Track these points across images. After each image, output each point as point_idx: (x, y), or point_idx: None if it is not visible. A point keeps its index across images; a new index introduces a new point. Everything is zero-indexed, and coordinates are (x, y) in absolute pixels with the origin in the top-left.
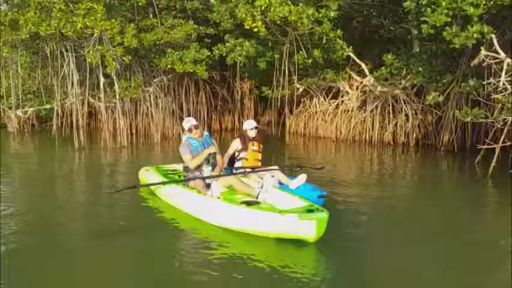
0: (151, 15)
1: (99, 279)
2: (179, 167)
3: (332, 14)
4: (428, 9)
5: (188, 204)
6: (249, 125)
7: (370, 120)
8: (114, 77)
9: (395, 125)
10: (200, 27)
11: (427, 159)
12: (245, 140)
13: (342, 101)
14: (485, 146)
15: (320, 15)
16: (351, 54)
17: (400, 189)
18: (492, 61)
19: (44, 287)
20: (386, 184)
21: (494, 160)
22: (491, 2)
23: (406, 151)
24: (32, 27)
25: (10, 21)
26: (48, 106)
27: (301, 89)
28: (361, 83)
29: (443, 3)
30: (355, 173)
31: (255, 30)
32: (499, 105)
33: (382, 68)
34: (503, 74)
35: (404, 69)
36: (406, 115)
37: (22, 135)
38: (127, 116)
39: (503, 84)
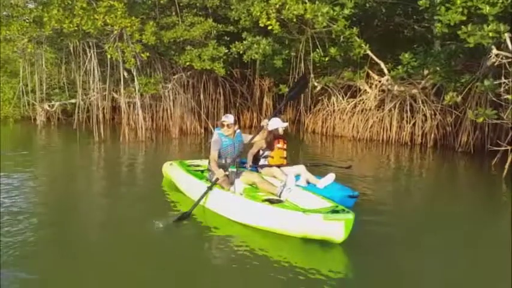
0: (173, 13)
1: (121, 272)
2: (201, 162)
3: (346, 11)
4: (443, 8)
5: (211, 200)
6: (280, 124)
7: (388, 119)
8: (135, 73)
9: (414, 125)
10: (219, 25)
11: (444, 161)
12: (272, 137)
13: (360, 100)
14: (497, 148)
15: (335, 13)
16: (369, 53)
17: (417, 190)
18: (504, 60)
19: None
20: (406, 184)
21: (508, 162)
22: (509, 1)
23: (424, 152)
24: (56, 24)
25: (35, 18)
26: (73, 100)
27: (318, 87)
28: (380, 81)
29: (458, 2)
30: (375, 172)
31: (270, 28)
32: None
33: (400, 67)
34: None
35: (424, 68)
36: (425, 115)
37: (49, 128)
38: (147, 111)
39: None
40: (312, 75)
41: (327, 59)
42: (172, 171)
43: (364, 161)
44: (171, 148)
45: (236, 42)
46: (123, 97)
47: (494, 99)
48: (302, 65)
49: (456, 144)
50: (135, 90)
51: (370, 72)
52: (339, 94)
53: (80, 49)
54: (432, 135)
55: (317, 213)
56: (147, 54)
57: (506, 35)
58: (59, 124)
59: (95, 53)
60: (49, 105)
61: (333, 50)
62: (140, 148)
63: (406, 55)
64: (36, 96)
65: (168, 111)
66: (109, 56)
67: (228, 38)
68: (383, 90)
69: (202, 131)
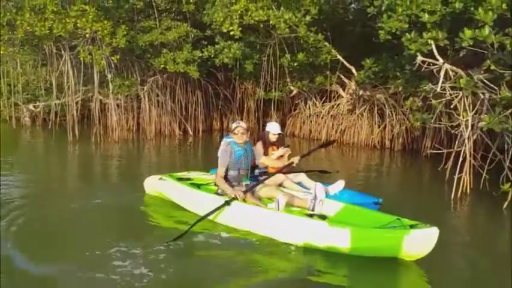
0: (152, 17)
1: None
2: (192, 175)
3: (308, 18)
4: (385, 15)
5: (232, 215)
6: (272, 129)
7: (359, 123)
8: (108, 75)
9: (384, 129)
10: (193, 29)
11: (406, 164)
12: (265, 144)
13: (334, 105)
14: (434, 151)
15: (297, 20)
16: (340, 58)
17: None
18: (433, 67)
19: None
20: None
21: (449, 165)
22: (447, 10)
23: (392, 155)
24: (28, 28)
25: (8, 21)
26: (57, 101)
27: (294, 91)
28: (350, 87)
29: (400, 10)
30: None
31: (232, 33)
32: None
33: (362, 71)
34: (440, 79)
35: (388, 73)
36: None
37: (33, 128)
38: (122, 112)
39: (442, 89)
40: (288, 80)
41: (295, 64)
42: (165, 186)
43: (334, 164)
44: (144, 149)
45: (208, 46)
46: (95, 98)
47: None
48: (275, 69)
49: (421, 148)
50: (109, 92)
51: (343, 77)
52: (315, 98)
53: (54, 51)
54: (400, 139)
55: (396, 229)
56: (117, 57)
57: (432, 43)
58: (44, 124)
59: (70, 56)
60: (34, 106)
61: (300, 56)
62: (112, 148)
63: (368, 60)
64: (24, 97)
65: (145, 112)
66: (81, 59)
67: (206, 42)
68: (356, 95)
69: (181, 132)
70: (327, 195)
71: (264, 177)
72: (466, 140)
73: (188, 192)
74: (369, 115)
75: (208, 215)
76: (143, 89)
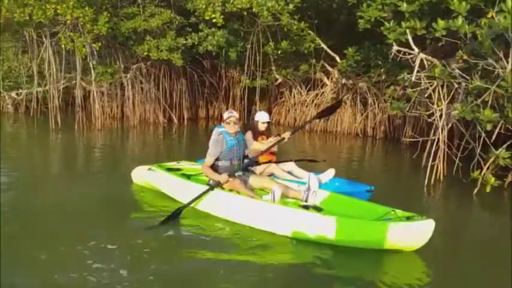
0: (136, 4)
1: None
2: (181, 165)
3: (292, 6)
4: (365, 4)
5: (236, 210)
6: (261, 118)
7: (344, 111)
8: (90, 63)
9: (366, 117)
10: (177, 16)
11: (386, 152)
12: (255, 133)
13: (319, 93)
14: (410, 139)
15: (279, 8)
16: (324, 46)
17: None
18: (408, 56)
19: None
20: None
21: (417, 153)
22: None
23: (373, 143)
24: (7, 14)
25: None
26: (39, 89)
27: (279, 80)
28: (334, 75)
29: None
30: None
31: (214, 21)
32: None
33: (344, 60)
34: (415, 69)
35: (370, 62)
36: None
37: (16, 117)
38: (105, 100)
39: (417, 79)
40: (273, 68)
41: (279, 52)
42: (154, 177)
43: (318, 153)
44: (128, 137)
45: (192, 34)
46: (78, 86)
47: None
48: (259, 57)
49: (402, 136)
50: (91, 79)
51: (327, 65)
52: (300, 87)
53: (35, 38)
54: (382, 127)
55: (398, 221)
56: (99, 44)
57: (408, 33)
58: (27, 112)
59: (51, 42)
60: (16, 94)
61: (284, 44)
62: (94, 137)
63: (350, 49)
64: (2, 84)
65: (129, 100)
66: (63, 46)
67: (190, 30)
68: (339, 83)
69: (166, 121)
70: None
71: (254, 167)
72: (440, 129)
73: (179, 183)
74: (352, 103)
75: (191, 202)
76: (126, 76)
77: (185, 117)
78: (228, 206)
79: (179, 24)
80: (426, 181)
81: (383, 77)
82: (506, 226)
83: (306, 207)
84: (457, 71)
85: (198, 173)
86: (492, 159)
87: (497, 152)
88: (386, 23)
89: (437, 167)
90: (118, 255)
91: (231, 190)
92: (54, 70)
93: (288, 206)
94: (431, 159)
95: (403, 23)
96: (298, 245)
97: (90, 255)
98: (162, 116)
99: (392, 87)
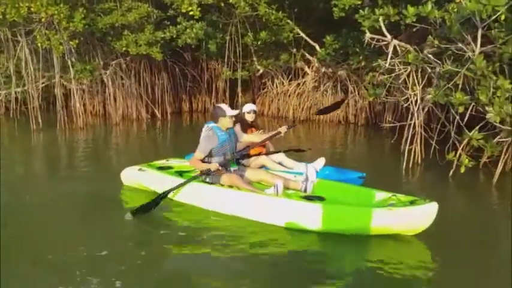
0: None
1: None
2: (171, 162)
3: None
4: None
5: (237, 205)
6: (246, 108)
7: (325, 100)
8: (68, 60)
9: (348, 104)
10: (155, 10)
11: (369, 138)
12: (243, 125)
13: (299, 83)
14: (387, 125)
15: None
16: (303, 35)
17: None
18: (382, 43)
19: None
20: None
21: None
22: None
23: (355, 130)
24: None
25: None
26: (18, 89)
27: (261, 70)
28: (314, 64)
29: None
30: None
31: (191, 13)
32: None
33: (322, 49)
34: (389, 55)
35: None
36: (359, 95)
37: None
38: (86, 98)
39: (392, 65)
40: (254, 59)
41: (259, 42)
42: (146, 177)
43: (302, 141)
44: (111, 134)
45: (170, 27)
46: (57, 84)
47: None
48: (239, 49)
49: (383, 122)
50: (70, 78)
51: (307, 54)
52: (282, 77)
53: (10, 37)
54: (363, 114)
55: (400, 206)
56: (76, 41)
57: (381, 20)
58: (7, 114)
59: (27, 41)
60: None
61: (263, 34)
62: (76, 136)
63: (328, 37)
64: None
65: (110, 97)
66: (39, 44)
67: (168, 23)
68: (319, 72)
69: (149, 116)
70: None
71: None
72: (416, 113)
73: (173, 181)
74: (333, 91)
75: (176, 188)
76: (106, 73)
77: (168, 111)
78: (232, 202)
79: (157, 17)
80: (404, 165)
81: (362, 64)
82: (481, 205)
83: (309, 198)
84: (430, 56)
85: (189, 169)
86: (466, 140)
87: (470, 133)
88: (361, 10)
89: (414, 151)
90: (108, 258)
91: (230, 186)
92: (32, 69)
93: (291, 199)
94: (408, 143)
95: (376, 10)
96: (305, 235)
97: (75, 257)
98: (145, 112)
99: (371, 74)
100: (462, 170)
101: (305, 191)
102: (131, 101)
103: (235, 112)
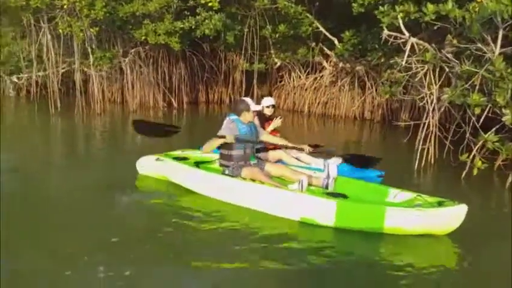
0: None
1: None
2: (186, 153)
3: None
4: None
5: (252, 198)
6: (265, 102)
7: (342, 95)
8: (88, 47)
9: (364, 101)
10: (175, 0)
11: (385, 135)
12: (261, 119)
13: (317, 77)
14: (401, 123)
15: None
16: (323, 30)
17: None
18: (399, 41)
19: None
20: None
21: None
22: None
23: (371, 127)
24: None
25: None
26: (41, 73)
27: (278, 63)
28: (332, 59)
29: None
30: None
31: (210, 4)
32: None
33: (340, 44)
34: (406, 53)
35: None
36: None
37: (18, 101)
38: (105, 85)
39: (409, 63)
40: (272, 51)
41: (277, 35)
42: (164, 167)
43: (315, 136)
44: (128, 122)
45: (190, 17)
46: (77, 70)
47: None
48: (257, 41)
49: (399, 119)
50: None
51: (325, 49)
52: (299, 70)
53: (33, 23)
54: (380, 111)
55: (430, 207)
56: (96, 29)
57: (399, 17)
58: (28, 97)
59: (49, 27)
60: (17, 78)
61: (281, 27)
62: (94, 120)
63: (348, 33)
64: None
65: (128, 84)
66: (60, 31)
67: (188, 13)
68: (338, 67)
69: (165, 104)
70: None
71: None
72: (431, 112)
73: (192, 172)
74: (350, 87)
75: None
76: (125, 60)
77: (185, 101)
78: (247, 195)
79: (177, 8)
80: (417, 164)
81: (381, 61)
82: (491, 208)
83: (333, 195)
84: (447, 55)
85: (206, 160)
86: (481, 142)
87: (486, 135)
88: (380, 6)
89: (428, 150)
90: (119, 245)
91: (253, 180)
92: (53, 55)
93: (315, 196)
94: (421, 142)
95: (396, 7)
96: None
97: (85, 243)
98: (161, 100)
99: (389, 71)
100: (475, 172)
101: (326, 187)
102: (148, 89)
103: (259, 107)
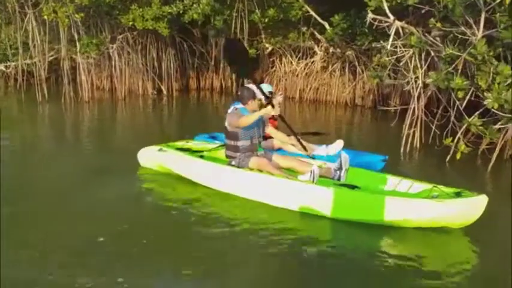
0: None
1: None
2: (190, 144)
3: None
4: None
5: (250, 187)
6: (264, 89)
7: (333, 81)
8: (75, 34)
9: (355, 86)
10: None
11: (376, 120)
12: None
13: (308, 62)
14: (386, 108)
15: None
16: (313, 13)
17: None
18: (385, 25)
19: None
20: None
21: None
22: None
23: (363, 112)
24: None
25: None
26: (28, 61)
27: (269, 48)
28: (323, 44)
29: None
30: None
31: None
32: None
33: (330, 28)
34: (391, 37)
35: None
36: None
37: (5, 89)
38: (93, 72)
39: (394, 47)
40: (263, 36)
41: (266, 20)
42: (167, 157)
43: (307, 122)
44: (116, 108)
45: (177, 2)
46: (63, 57)
47: None
48: (247, 26)
49: (390, 105)
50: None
51: (316, 33)
52: (290, 56)
53: (17, 10)
54: (371, 96)
55: (441, 198)
56: (82, 15)
57: (384, 0)
58: (15, 85)
59: (34, 14)
60: (5, 66)
61: (271, 11)
62: (81, 110)
63: (337, 16)
64: None
65: (116, 71)
66: (45, 17)
67: None
68: (328, 52)
69: (155, 92)
70: (328, 156)
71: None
72: (416, 97)
73: (197, 164)
74: (341, 72)
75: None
76: (112, 47)
77: (175, 88)
78: (245, 184)
79: None
80: (402, 148)
81: (372, 45)
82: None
83: (346, 186)
84: (431, 38)
85: (208, 149)
86: (464, 126)
87: (470, 119)
88: None
89: (414, 135)
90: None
91: (260, 171)
92: (39, 42)
93: (330, 187)
94: (406, 127)
95: None
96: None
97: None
98: (151, 88)
99: (378, 55)
100: (458, 155)
101: (338, 179)
102: (137, 76)
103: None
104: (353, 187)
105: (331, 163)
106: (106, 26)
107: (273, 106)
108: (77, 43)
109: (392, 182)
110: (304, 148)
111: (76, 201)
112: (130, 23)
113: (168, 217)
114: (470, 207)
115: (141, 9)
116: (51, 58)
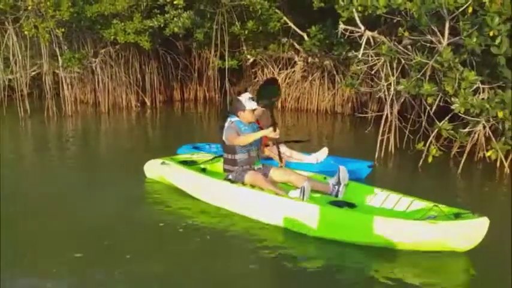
0: None
1: None
2: (195, 157)
3: None
4: None
5: (235, 201)
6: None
7: (314, 90)
8: (56, 49)
9: (335, 94)
10: None
11: (355, 128)
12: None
13: (289, 72)
14: (361, 115)
15: None
16: (292, 25)
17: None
18: (356, 35)
19: None
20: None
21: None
22: None
23: (342, 120)
24: None
25: None
26: (11, 76)
27: (251, 60)
28: (302, 54)
29: None
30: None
31: (175, 2)
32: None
33: (308, 39)
34: (362, 46)
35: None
36: None
37: None
38: (75, 86)
39: (366, 56)
40: (244, 48)
41: (246, 32)
42: (168, 171)
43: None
44: (100, 123)
45: (158, 16)
46: (45, 72)
47: None
48: (228, 38)
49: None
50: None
51: (295, 44)
52: (272, 66)
53: None
54: (350, 104)
55: (436, 219)
56: (62, 30)
57: (354, 11)
58: None
59: (15, 29)
60: None
61: (250, 24)
62: (65, 123)
63: (314, 28)
64: None
65: (99, 85)
66: (26, 33)
67: (158, 11)
68: (307, 62)
69: (138, 104)
70: (315, 164)
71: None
72: (389, 104)
73: (194, 178)
74: (321, 81)
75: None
76: (95, 61)
77: (159, 100)
78: (230, 198)
79: (147, 6)
80: (377, 154)
81: (349, 55)
82: (439, 195)
83: (339, 205)
84: (401, 47)
85: (209, 161)
86: (435, 131)
87: (440, 124)
88: (340, 1)
89: (388, 140)
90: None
91: (253, 186)
92: (20, 57)
93: (318, 204)
94: (381, 133)
95: (354, 1)
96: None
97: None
98: (135, 100)
99: (354, 64)
100: (430, 159)
101: (336, 195)
102: (121, 89)
103: (255, 105)
104: (350, 205)
105: (330, 178)
106: (88, 40)
107: (275, 130)
108: (59, 58)
109: (383, 196)
110: (280, 159)
111: (58, 216)
112: (112, 37)
113: (155, 230)
114: (468, 230)
115: (122, 23)
116: (33, 73)
